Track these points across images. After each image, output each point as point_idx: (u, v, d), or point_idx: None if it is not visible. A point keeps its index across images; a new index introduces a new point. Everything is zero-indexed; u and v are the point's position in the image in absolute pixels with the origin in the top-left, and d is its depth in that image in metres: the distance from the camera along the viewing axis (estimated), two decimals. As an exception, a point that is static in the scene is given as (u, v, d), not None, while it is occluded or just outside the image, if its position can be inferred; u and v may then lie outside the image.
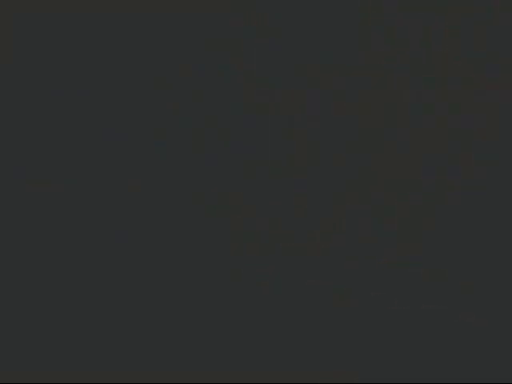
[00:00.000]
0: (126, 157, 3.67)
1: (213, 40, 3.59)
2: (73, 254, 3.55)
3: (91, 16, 3.34)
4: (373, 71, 3.30)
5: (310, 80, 3.55)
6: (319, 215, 3.57)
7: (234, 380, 2.48)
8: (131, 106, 3.66)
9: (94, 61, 3.45)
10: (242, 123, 3.76)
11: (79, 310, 3.20)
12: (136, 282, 3.40)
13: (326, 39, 3.43)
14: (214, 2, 3.52)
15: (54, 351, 2.71)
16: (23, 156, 3.48)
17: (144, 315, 3.12)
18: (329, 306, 3.13)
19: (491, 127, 2.98)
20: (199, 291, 3.35)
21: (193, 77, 3.71)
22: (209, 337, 2.94)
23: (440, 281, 3.05)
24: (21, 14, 3.11)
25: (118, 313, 3.16)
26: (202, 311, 3.18)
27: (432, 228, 3.18)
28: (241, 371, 2.61)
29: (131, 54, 3.53)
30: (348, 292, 3.20)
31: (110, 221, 3.61)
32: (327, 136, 3.55)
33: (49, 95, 3.41)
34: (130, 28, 3.46)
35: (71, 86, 3.44)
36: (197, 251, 3.60)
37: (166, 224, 3.63)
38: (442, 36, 3.05)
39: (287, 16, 3.53)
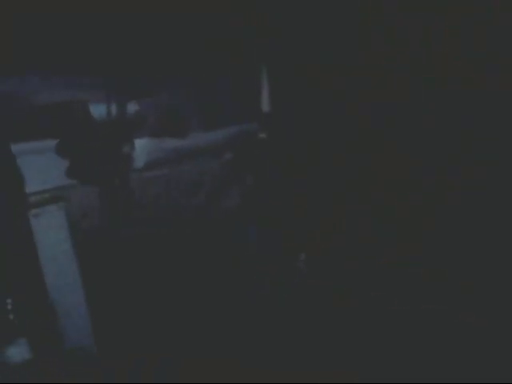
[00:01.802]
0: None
1: (213, 40, 3.59)
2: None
3: (91, 16, 3.33)
4: (373, 71, 3.30)
5: (310, 80, 3.55)
6: (319, 215, 3.57)
7: (234, 380, 2.48)
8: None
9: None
10: (241, 123, 3.76)
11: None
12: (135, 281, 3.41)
13: (326, 39, 3.43)
14: (213, 1, 3.52)
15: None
16: None
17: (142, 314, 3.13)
18: (329, 306, 3.13)
19: (491, 127, 2.98)
20: (198, 291, 3.35)
21: (192, 76, 3.71)
22: (208, 337, 2.94)
23: (440, 281, 3.05)
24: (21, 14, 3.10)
25: (116, 312, 3.16)
26: (200, 311, 3.19)
27: (432, 228, 3.18)
28: (240, 371, 2.61)
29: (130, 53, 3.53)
30: (348, 292, 3.20)
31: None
32: (327, 136, 3.55)
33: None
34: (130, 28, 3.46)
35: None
36: (196, 251, 3.60)
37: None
38: (442, 36, 3.05)
39: (287, 16, 3.53)
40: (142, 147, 3.05)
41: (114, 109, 2.92)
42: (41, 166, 2.61)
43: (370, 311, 3.00)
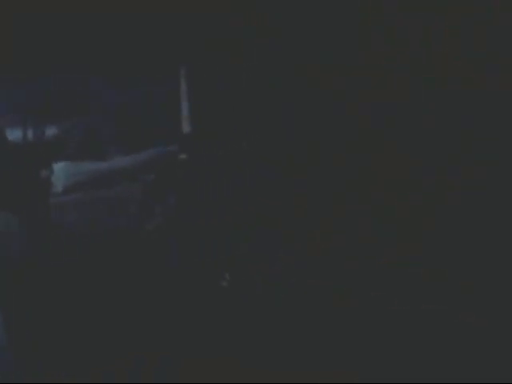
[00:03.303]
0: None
1: (213, 40, 3.59)
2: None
3: (91, 16, 3.33)
4: (373, 71, 3.30)
5: (310, 80, 3.55)
6: (319, 215, 3.57)
7: (234, 380, 2.48)
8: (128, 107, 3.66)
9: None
10: (241, 123, 3.76)
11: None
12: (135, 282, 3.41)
13: (326, 39, 3.43)
14: (213, 1, 3.52)
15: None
16: None
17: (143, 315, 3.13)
18: (329, 306, 3.13)
19: (491, 127, 2.98)
20: (198, 292, 3.35)
21: (193, 76, 3.71)
22: (208, 338, 2.94)
23: (440, 281, 3.05)
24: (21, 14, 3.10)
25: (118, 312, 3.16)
26: (200, 312, 3.19)
27: (432, 228, 3.18)
28: (240, 371, 2.61)
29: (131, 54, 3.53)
30: (348, 292, 3.20)
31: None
32: (327, 136, 3.55)
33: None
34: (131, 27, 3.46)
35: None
36: (196, 252, 3.60)
37: (167, 225, 3.63)
38: (442, 36, 3.05)
39: (287, 16, 3.53)
40: (61, 171, 3.02)
41: (30, 132, 2.89)
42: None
43: (370, 311, 2.99)
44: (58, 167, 3.00)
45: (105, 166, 3.22)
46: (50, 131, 2.99)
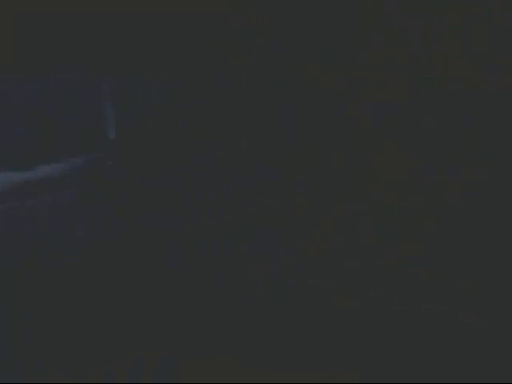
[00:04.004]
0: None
1: (213, 40, 3.59)
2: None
3: (92, 16, 3.33)
4: (373, 71, 3.30)
5: (310, 80, 3.55)
6: (319, 215, 3.57)
7: (234, 380, 2.48)
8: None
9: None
10: (241, 123, 3.76)
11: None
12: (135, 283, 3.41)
13: (326, 39, 3.43)
14: (213, 1, 3.52)
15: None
16: None
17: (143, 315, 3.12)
18: (329, 306, 3.13)
19: (491, 127, 2.98)
20: (198, 292, 3.35)
21: (193, 76, 3.71)
22: (208, 338, 2.94)
23: (440, 281, 3.05)
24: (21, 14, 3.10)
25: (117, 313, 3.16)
26: (200, 312, 3.19)
27: (432, 228, 3.18)
28: (240, 371, 2.61)
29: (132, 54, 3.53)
30: (348, 292, 3.20)
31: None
32: (327, 136, 3.55)
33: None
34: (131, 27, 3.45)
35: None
36: (195, 251, 3.60)
37: (166, 224, 3.63)
38: (442, 36, 3.05)
39: (287, 16, 3.53)
40: None
41: None
42: None
43: (370, 311, 2.99)
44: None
45: (31, 175, 3.15)
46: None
